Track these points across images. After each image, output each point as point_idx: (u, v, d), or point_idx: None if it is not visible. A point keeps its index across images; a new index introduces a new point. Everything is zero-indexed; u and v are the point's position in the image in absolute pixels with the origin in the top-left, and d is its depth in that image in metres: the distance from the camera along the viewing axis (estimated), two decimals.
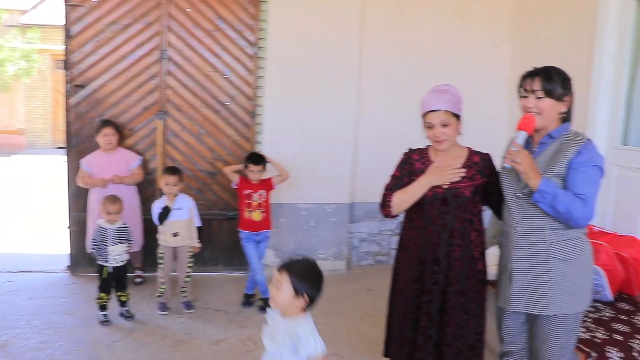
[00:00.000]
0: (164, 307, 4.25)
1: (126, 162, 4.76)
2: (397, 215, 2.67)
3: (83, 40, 4.81)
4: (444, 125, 2.53)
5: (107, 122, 4.71)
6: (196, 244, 4.28)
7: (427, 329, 2.62)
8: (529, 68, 2.44)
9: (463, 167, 2.60)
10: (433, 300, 2.60)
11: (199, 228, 4.32)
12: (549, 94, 2.32)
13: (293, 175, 5.03)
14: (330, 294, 4.67)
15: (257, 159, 4.31)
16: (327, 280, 4.73)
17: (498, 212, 2.65)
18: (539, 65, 2.45)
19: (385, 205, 2.64)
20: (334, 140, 5.19)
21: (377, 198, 2.71)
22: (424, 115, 2.58)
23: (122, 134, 4.85)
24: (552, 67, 2.38)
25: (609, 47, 4.37)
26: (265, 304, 4.13)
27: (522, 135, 2.32)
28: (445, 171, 2.57)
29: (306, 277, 2.17)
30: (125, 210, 4.12)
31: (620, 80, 4.33)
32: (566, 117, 2.41)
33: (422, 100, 2.60)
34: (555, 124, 2.38)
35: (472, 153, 2.69)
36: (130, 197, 4.64)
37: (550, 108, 2.33)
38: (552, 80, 2.32)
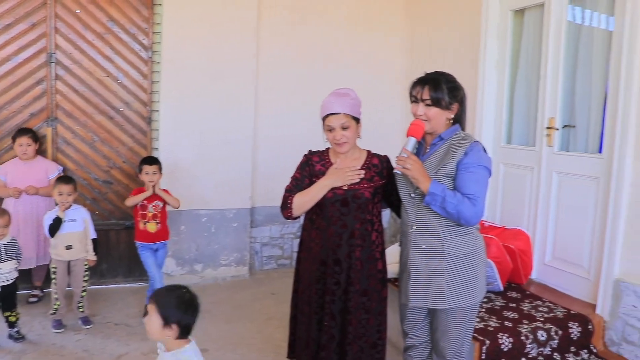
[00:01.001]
0: (59, 324, 4.01)
1: (45, 172, 4.48)
2: (298, 217, 2.68)
3: None
4: (344, 128, 2.58)
5: (22, 131, 4.42)
6: (92, 257, 4.11)
7: (331, 329, 2.65)
8: (421, 73, 2.52)
9: (362, 169, 2.66)
10: (335, 300, 2.64)
11: (94, 240, 4.15)
12: (436, 102, 2.41)
13: (192, 181, 4.99)
14: (233, 300, 4.71)
15: (151, 159, 4.22)
16: (230, 287, 4.73)
17: (398, 211, 2.72)
18: (431, 69, 2.55)
19: (286, 207, 2.65)
20: (232, 145, 5.15)
21: (278, 202, 2.72)
22: (325, 118, 2.61)
23: (40, 142, 4.56)
24: (442, 75, 2.47)
25: (491, 54, 4.70)
26: None
27: (412, 142, 2.41)
28: (344, 173, 2.62)
29: (175, 305, 2.10)
30: (39, 224, 3.86)
31: (503, 84, 4.67)
32: (457, 120, 2.51)
33: (322, 103, 2.63)
34: (445, 126, 2.48)
35: (371, 155, 2.75)
36: (46, 210, 4.33)
37: (438, 115, 2.44)
38: (439, 90, 2.41)
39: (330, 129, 2.60)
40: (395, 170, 2.41)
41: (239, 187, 5.24)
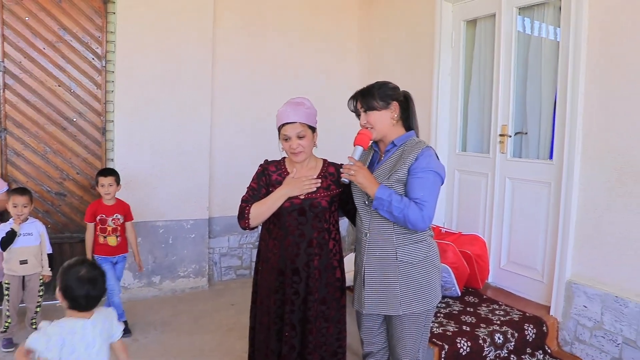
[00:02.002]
0: (9, 343, 3.87)
1: None
2: (255, 227, 2.67)
3: None
4: (300, 137, 2.59)
5: None
6: (47, 272, 4.01)
7: (291, 339, 2.64)
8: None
9: (319, 178, 2.67)
10: (295, 310, 2.63)
11: (50, 255, 4.05)
12: (370, 108, 2.49)
13: (148, 192, 4.93)
14: (193, 311, 4.67)
15: (107, 171, 4.15)
16: (189, 298, 4.68)
17: (354, 220, 2.72)
18: (386, 78, 2.63)
19: (243, 218, 2.63)
20: (189, 154, 5.12)
21: (236, 212, 2.70)
22: (280, 127, 2.62)
23: None
24: (375, 83, 2.55)
25: (445, 63, 4.82)
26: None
27: (358, 150, 2.46)
28: (301, 182, 2.62)
29: (61, 274, 2.24)
30: None
31: (457, 93, 4.79)
32: (409, 126, 2.56)
33: (278, 113, 2.64)
34: (397, 133, 2.52)
35: (328, 164, 2.77)
36: None
37: (379, 118, 2.49)
38: (368, 96, 2.50)
39: (286, 138, 2.61)
40: (342, 179, 2.45)
41: (196, 197, 5.21)
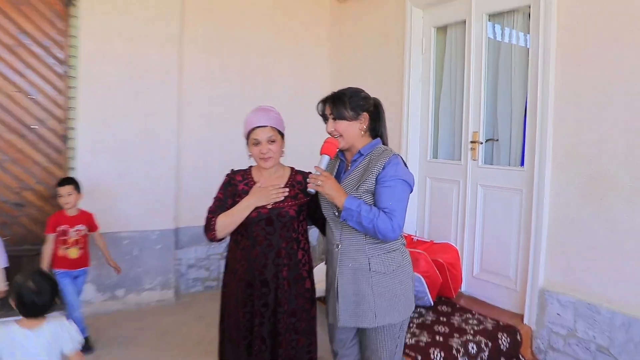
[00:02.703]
0: None
1: None
2: (222, 239, 2.62)
3: None
4: (271, 142, 2.57)
5: None
6: (3, 287, 3.84)
7: (261, 352, 2.58)
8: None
9: (286, 187, 2.64)
10: (264, 323, 2.57)
11: (6, 269, 3.87)
12: (340, 117, 2.45)
13: (112, 202, 4.78)
14: (159, 325, 4.53)
15: (64, 180, 4.00)
16: (155, 312, 4.56)
17: (323, 229, 2.69)
18: (356, 84, 2.59)
19: (209, 229, 2.59)
20: (155, 163, 4.97)
21: (203, 222, 2.64)
22: (251, 131, 2.58)
23: None
24: (347, 90, 2.50)
25: (416, 69, 4.81)
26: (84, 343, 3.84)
27: (325, 160, 2.41)
28: (268, 191, 2.59)
29: (13, 283, 2.35)
30: None
31: (428, 99, 4.78)
32: (376, 133, 2.53)
33: (247, 119, 2.62)
34: (364, 141, 2.49)
35: (295, 172, 2.75)
36: None
37: (348, 128, 2.45)
38: (340, 103, 2.45)
39: (256, 143, 2.58)
40: (308, 189, 2.40)
41: (162, 207, 5.06)
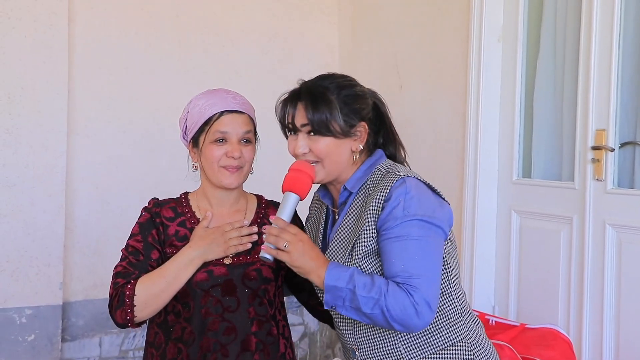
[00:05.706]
0: None
1: None
2: (143, 323, 1.83)
3: None
4: (246, 142, 1.84)
5: None
6: None
7: None
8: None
9: (253, 225, 1.91)
10: None
11: None
12: (321, 128, 1.64)
13: None
14: None
15: None
16: None
17: (310, 306, 1.99)
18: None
19: (122, 305, 1.75)
20: (27, 191, 3.49)
21: (109, 292, 1.79)
22: (211, 120, 1.82)
23: None
24: (328, 81, 1.68)
25: (493, 21, 3.49)
26: None
27: (290, 202, 1.64)
28: (225, 234, 1.83)
29: None
30: None
31: (515, 73, 3.53)
32: (376, 145, 1.80)
33: (198, 102, 1.85)
34: (354, 165, 1.75)
35: (266, 204, 2.04)
36: None
37: (334, 149, 1.67)
38: (322, 105, 1.63)
39: (220, 139, 1.82)
40: (261, 254, 1.59)
41: (39, 265, 3.46)
